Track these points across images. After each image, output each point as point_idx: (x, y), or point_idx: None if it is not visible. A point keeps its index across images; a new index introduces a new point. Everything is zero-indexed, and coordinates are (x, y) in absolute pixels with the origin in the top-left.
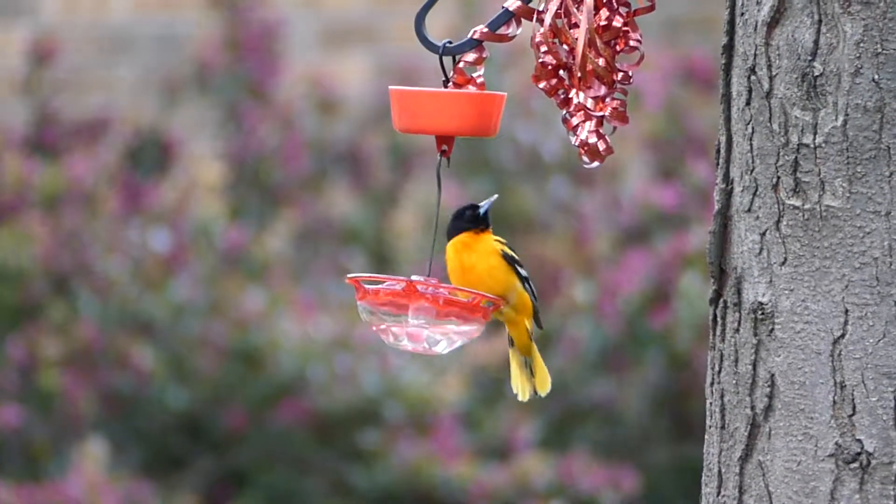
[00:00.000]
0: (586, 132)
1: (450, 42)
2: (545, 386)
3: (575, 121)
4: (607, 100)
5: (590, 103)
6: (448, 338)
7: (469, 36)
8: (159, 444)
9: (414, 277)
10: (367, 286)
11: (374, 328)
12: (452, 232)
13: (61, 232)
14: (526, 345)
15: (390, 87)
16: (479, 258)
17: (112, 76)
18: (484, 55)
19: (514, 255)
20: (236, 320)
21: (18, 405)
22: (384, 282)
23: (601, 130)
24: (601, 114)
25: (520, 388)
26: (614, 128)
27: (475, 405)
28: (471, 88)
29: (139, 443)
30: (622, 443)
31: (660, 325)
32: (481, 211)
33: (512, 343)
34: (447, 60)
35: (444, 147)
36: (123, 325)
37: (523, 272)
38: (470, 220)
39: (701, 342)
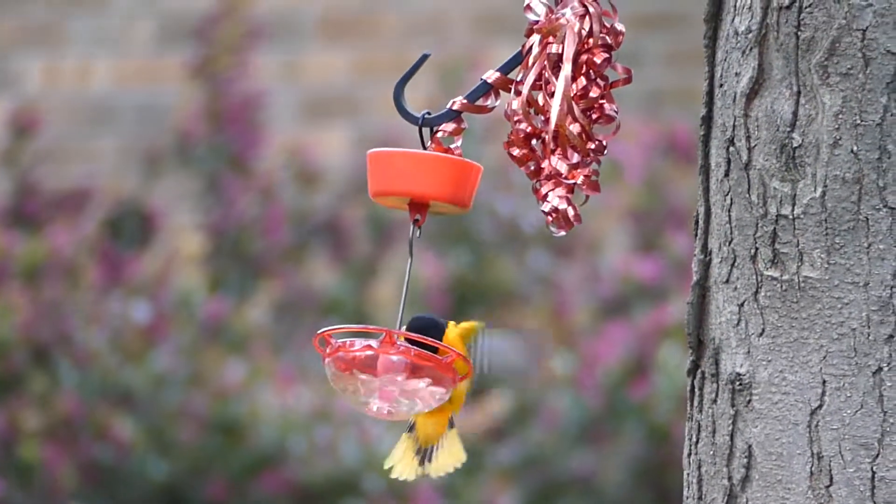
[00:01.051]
0: (556, 198)
1: (428, 113)
2: (448, 465)
3: (544, 189)
4: (581, 168)
5: (563, 169)
6: (413, 400)
7: (448, 107)
8: None
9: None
10: (336, 341)
11: (340, 389)
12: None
13: (42, 303)
14: (436, 435)
15: (368, 151)
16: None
17: (93, 147)
18: (462, 126)
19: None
20: (216, 391)
21: None
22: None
23: (571, 198)
24: (573, 181)
25: (402, 467)
26: (587, 197)
27: (455, 476)
28: None
29: None
30: None
31: (639, 396)
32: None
33: (411, 429)
34: (426, 131)
35: (418, 216)
36: (104, 396)
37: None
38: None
39: (680, 414)
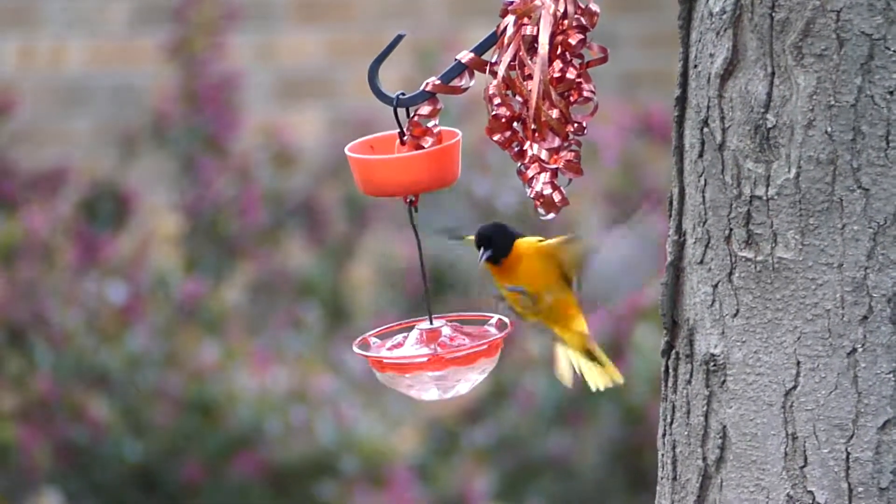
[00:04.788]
0: (541, 184)
1: (403, 94)
2: (618, 376)
3: (530, 173)
4: (562, 152)
5: (544, 155)
6: (467, 381)
7: (421, 88)
8: (115, 496)
9: (421, 325)
10: (383, 357)
11: (390, 385)
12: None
13: (17, 283)
14: (583, 347)
15: (348, 152)
16: (517, 275)
17: (68, 128)
18: (438, 107)
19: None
20: (192, 372)
21: None
22: (394, 334)
23: (556, 182)
24: (556, 166)
25: (591, 378)
26: (570, 179)
27: (430, 457)
28: (427, 139)
29: (94, 495)
30: (577, 496)
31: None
32: (481, 262)
33: (557, 339)
34: (402, 112)
35: (412, 198)
36: (79, 377)
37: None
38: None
39: (656, 395)
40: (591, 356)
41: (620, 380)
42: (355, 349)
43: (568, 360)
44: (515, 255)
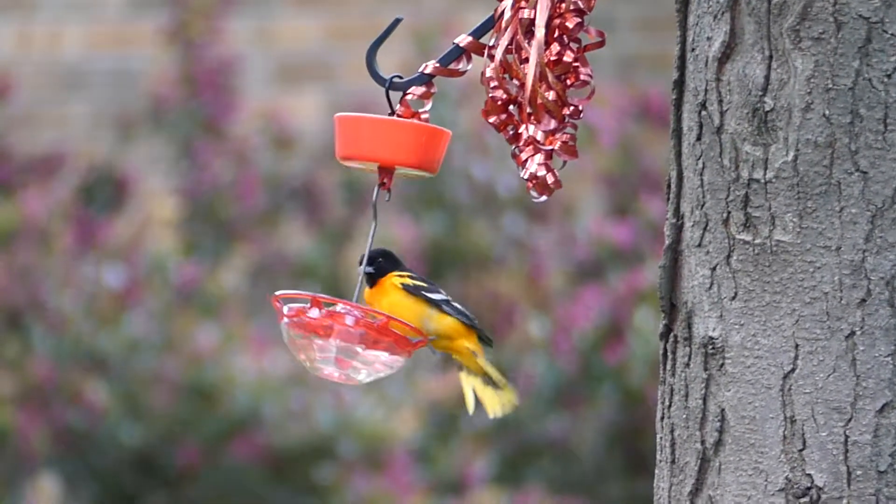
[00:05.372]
0: (535, 165)
1: (399, 76)
2: (513, 398)
3: (524, 155)
4: (557, 134)
5: (540, 136)
6: (370, 368)
7: (420, 71)
8: (112, 480)
9: (339, 307)
10: (288, 306)
11: (295, 350)
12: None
13: (15, 267)
14: (477, 368)
15: (336, 115)
16: (380, 302)
17: (66, 112)
18: (432, 91)
19: (418, 283)
20: (190, 356)
21: None
22: (305, 300)
23: (550, 164)
24: (551, 147)
25: (487, 403)
26: (564, 162)
27: (429, 441)
28: (415, 122)
29: (92, 479)
30: (576, 478)
31: (614, 360)
32: (362, 270)
33: (461, 368)
34: (396, 95)
35: (384, 180)
36: (77, 361)
37: (436, 296)
38: (367, 277)
39: (655, 378)
40: (487, 379)
41: (515, 402)
42: (275, 298)
43: (470, 387)
44: (386, 283)
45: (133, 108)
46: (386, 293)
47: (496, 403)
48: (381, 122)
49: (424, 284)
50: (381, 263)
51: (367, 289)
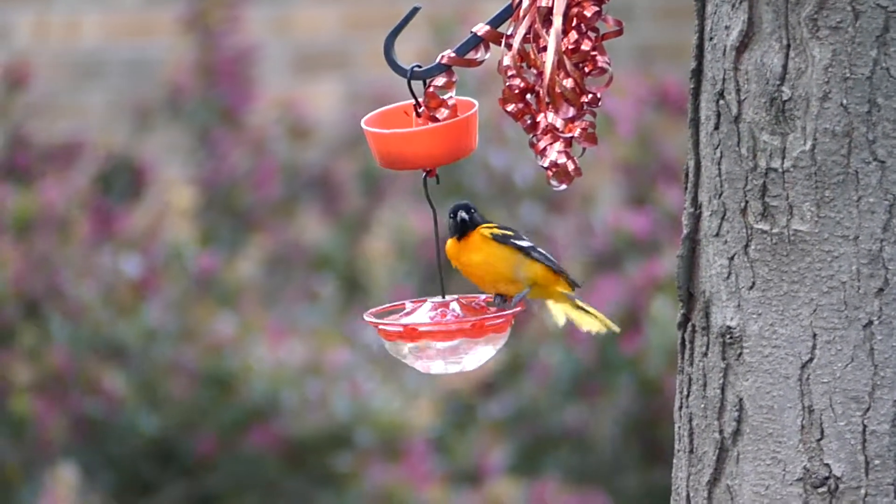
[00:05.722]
0: (555, 153)
1: (418, 66)
2: (613, 326)
3: (542, 143)
4: (576, 121)
5: (559, 124)
6: (475, 355)
7: (437, 60)
8: (130, 469)
9: (431, 300)
10: (386, 327)
11: (399, 356)
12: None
13: (33, 257)
14: (574, 306)
15: (364, 126)
16: (469, 256)
17: (84, 101)
18: (454, 79)
19: (505, 232)
20: (208, 345)
21: None
22: (399, 312)
23: (570, 151)
24: (570, 135)
25: (583, 322)
26: (584, 149)
27: (446, 430)
28: (443, 111)
29: (110, 468)
30: (593, 468)
31: (631, 350)
32: (458, 218)
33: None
34: (417, 85)
35: (429, 170)
36: (95, 350)
37: (523, 243)
38: (451, 229)
39: (672, 367)
40: (582, 310)
41: (616, 329)
42: (368, 319)
43: (561, 310)
44: (475, 236)
45: (151, 97)
46: (476, 246)
47: (594, 324)
48: (408, 136)
49: (511, 233)
50: (474, 215)
51: (452, 241)
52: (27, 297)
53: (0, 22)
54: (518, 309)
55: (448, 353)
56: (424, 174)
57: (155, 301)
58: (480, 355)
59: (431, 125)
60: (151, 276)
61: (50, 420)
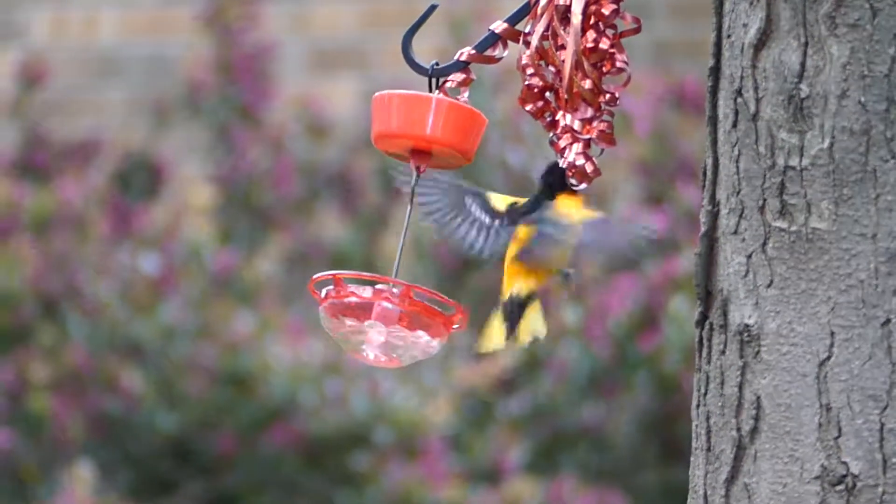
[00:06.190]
0: (574, 154)
1: (437, 64)
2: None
3: (562, 143)
4: (594, 122)
5: (577, 125)
6: (409, 348)
7: (456, 58)
8: (148, 467)
9: (378, 285)
10: (327, 290)
11: (336, 335)
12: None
13: (51, 255)
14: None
15: (374, 95)
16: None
17: (101, 98)
18: (471, 77)
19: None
20: (226, 344)
21: (7, 428)
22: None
23: (588, 152)
24: (588, 136)
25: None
26: (602, 150)
27: (464, 428)
28: None
29: (128, 466)
30: (611, 466)
31: (649, 348)
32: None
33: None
34: (435, 82)
35: (420, 164)
36: (112, 348)
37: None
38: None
39: (689, 365)
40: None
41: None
42: (313, 283)
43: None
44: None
45: (169, 94)
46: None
47: (500, 341)
48: (416, 98)
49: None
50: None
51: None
52: (45, 296)
53: (17, 19)
54: (456, 315)
55: (391, 334)
56: (415, 168)
57: (173, 299)
58: (419, 349)
59: (443, 97)
60: (170, 275)
61: (67, 418)
